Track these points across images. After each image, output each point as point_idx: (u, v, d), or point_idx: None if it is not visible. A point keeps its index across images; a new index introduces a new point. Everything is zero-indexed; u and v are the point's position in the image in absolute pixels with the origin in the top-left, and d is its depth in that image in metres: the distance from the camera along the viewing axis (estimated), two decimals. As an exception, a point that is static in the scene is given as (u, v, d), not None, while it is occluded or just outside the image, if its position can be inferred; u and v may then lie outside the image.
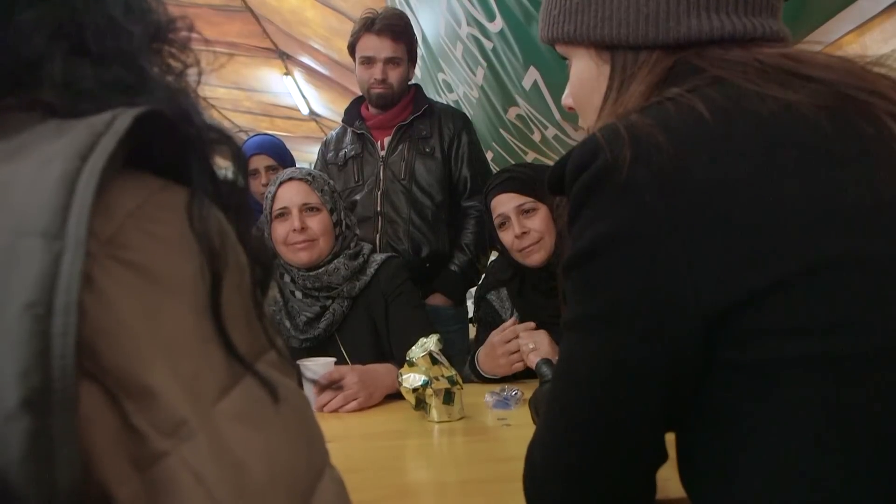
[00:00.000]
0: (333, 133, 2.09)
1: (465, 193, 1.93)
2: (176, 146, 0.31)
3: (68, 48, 0.31)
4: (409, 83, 1.98)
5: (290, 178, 1.44)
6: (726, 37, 0.54)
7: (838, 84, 0.49)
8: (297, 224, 1.38)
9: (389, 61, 1.88)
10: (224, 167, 0.34)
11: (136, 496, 0.25)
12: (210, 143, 0.33)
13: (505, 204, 1.47)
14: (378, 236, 1.86)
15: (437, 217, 1.89)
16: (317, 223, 1.41)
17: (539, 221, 1.45)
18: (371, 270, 1.48)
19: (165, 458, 0.26)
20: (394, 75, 1.89)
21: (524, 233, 1.44)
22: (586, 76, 0.62)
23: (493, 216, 1.50)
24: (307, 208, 1.41)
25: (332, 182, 1.51)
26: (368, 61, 1.88)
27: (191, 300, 0.29)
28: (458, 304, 1.98)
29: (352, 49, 1.94)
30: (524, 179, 1.47)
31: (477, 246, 1.92)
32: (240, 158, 0.35)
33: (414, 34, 1.98)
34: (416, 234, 1.86)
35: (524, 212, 1.45)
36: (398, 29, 1.89)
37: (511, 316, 1.55)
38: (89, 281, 0.25)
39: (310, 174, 1.46)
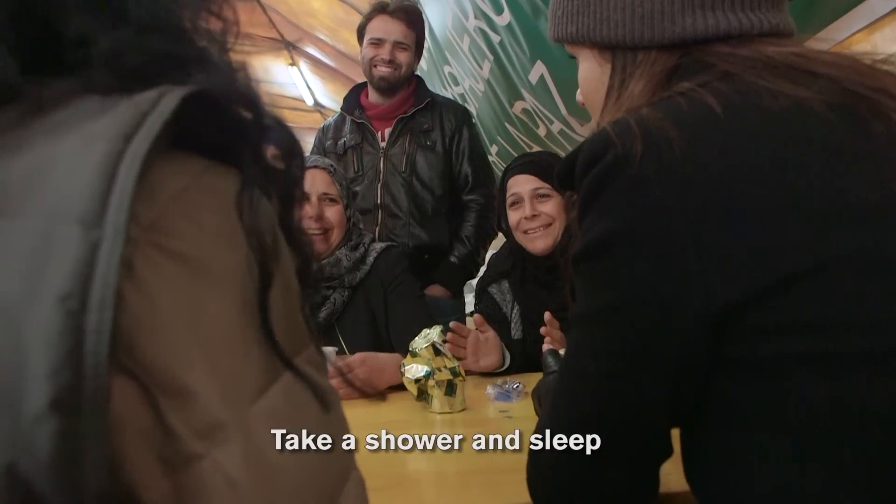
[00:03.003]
0: (331, 120, 2.06)
1: (465, 188, 1.93)
2: (227, 128, 0.29)
3: (111, 23, 0.29)
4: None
5: (315, 166, 1.46)
6: (723, 34, 0.54)
7: (846, 81, 0.48)
8: (314, 212, 1.40)
9: (398, 45, 1.86)
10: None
11: (164, 499, 0.24)
12: (265, 129, 0.30)
13: (521, 185, 1.47)
14: (378, 229, 1.86)
15: (437, 211, 1.88)
16: (333, 213, 1.43)
17: (551, 207, 1.45)
18: (370, 259, 1.48)
19: (199, 461, 0.25)
20: (402, 58, 1.87)
21: (535, 215, 1.44)
22: (591, 75, 0.63)
23: (507, 194, 1.50)
24: (327, 198, 1.43)
25: (347, 177, 1.52)
26: (378, 42, 1.86)
27: (234, 293, 0.27)
28: (456, 296, 1.97)
29: (361, 31, 1.91)
30: (545, 166, 1.47)
31: (477, 239, 1.92)
32: (295, 148, 0.32)
33: (424, 27, 1.97)
34: (415, 229, 1.85)
35: (539, 195, 1.45)
36: (412, 16, 1.89)
37: (513, 309, 1.55)
38: (129, 269, 0.24)
39: (332, 165, 1.48)
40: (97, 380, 0.22)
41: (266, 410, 0.27)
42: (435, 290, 1.89)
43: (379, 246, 1.52)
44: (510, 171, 1.51)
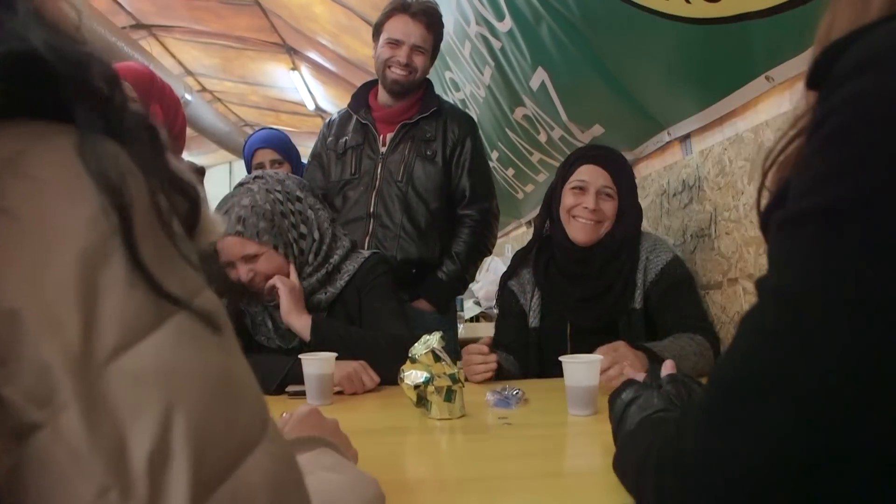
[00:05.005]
0: (337, 115, 2.03)
1: (462, 202, 1.88)
2: (56, 82, 0.28)
3: None
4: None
5: (225, 234, 1.40)
6: None
7: None
8: (244, 276, 1.38)
9: (417, 48, 1.81)
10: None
11: (14, 468, 0.23)
12: (95, 76, 0.29)
13: (593, 175, 1.48)
14: (367, 239, 1.81)
15: (430, 225, 1.83)
16: (264, 266, 1.39)
17: (611, 207, 1.48)
18: (341, 283, 1.46)
19: (39, 430, 0.23)
20: (418, 62, 1.82)
21: (594, 210, 1.46)
22: None
23: (572, 177, 1.50)
24: (249, 258, 1.39)
25: (269, 208, 1.39)
26: (395, 43, 1.81)
27: (81, 246, 0.26)
28: (443, 312, 1.91)
29: (378, 28, 1.86)
30: (618, 165, 1.51)
31: (468, 256, 1.87)
32: (115, 84, 0.31)
33: (443, 30, 1.91)
34: (405, 242, 1.80)
35: (605, 193, 1.48)
36: (433, 19, 1.84)
37: (532, 297, 1.55)
38: None
39: (240, 221, 1.37)
40: None
41: (130, 367, 0.25)
42: (421, 304, 1.86)
43: (352, 267, 1.48)
44: (584, 158, 1.52)
